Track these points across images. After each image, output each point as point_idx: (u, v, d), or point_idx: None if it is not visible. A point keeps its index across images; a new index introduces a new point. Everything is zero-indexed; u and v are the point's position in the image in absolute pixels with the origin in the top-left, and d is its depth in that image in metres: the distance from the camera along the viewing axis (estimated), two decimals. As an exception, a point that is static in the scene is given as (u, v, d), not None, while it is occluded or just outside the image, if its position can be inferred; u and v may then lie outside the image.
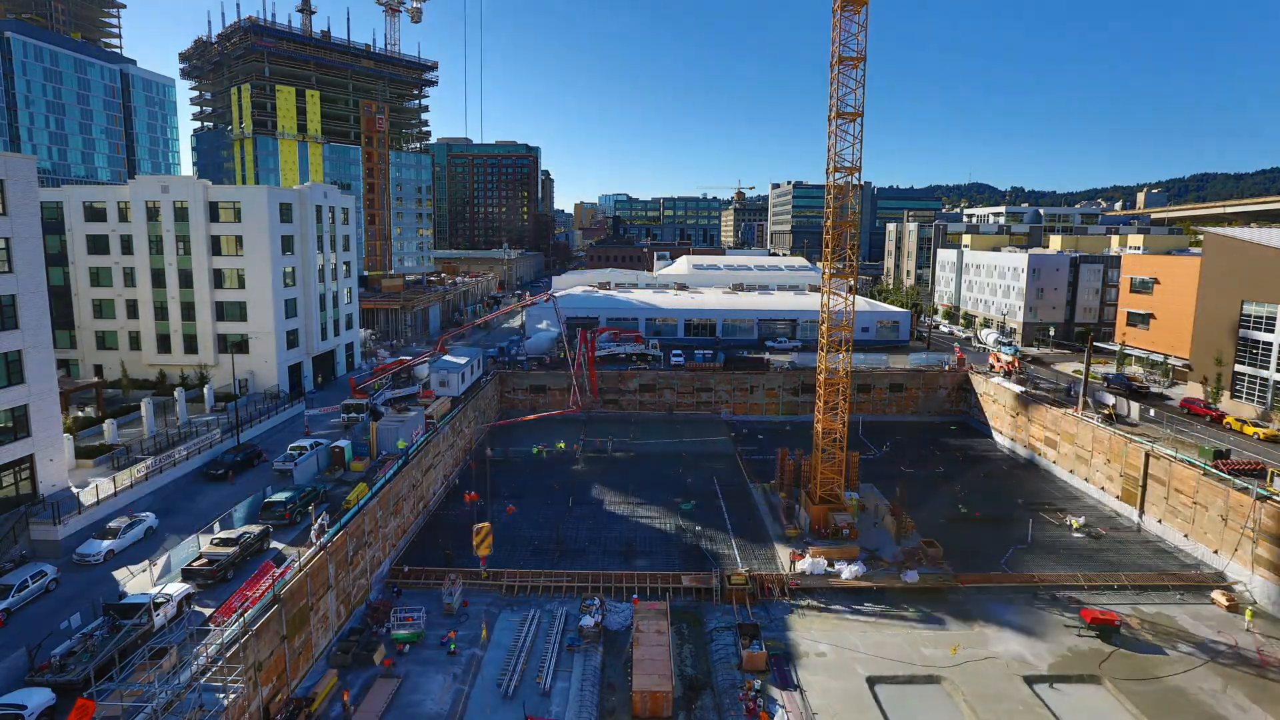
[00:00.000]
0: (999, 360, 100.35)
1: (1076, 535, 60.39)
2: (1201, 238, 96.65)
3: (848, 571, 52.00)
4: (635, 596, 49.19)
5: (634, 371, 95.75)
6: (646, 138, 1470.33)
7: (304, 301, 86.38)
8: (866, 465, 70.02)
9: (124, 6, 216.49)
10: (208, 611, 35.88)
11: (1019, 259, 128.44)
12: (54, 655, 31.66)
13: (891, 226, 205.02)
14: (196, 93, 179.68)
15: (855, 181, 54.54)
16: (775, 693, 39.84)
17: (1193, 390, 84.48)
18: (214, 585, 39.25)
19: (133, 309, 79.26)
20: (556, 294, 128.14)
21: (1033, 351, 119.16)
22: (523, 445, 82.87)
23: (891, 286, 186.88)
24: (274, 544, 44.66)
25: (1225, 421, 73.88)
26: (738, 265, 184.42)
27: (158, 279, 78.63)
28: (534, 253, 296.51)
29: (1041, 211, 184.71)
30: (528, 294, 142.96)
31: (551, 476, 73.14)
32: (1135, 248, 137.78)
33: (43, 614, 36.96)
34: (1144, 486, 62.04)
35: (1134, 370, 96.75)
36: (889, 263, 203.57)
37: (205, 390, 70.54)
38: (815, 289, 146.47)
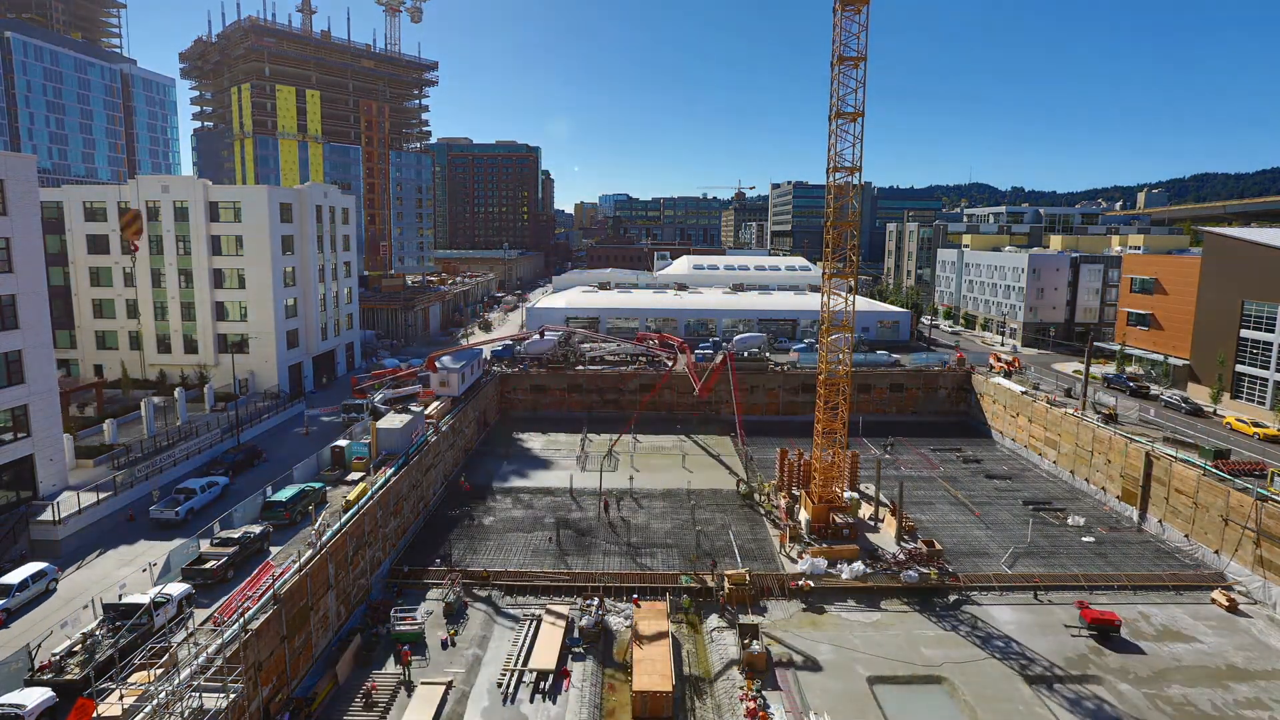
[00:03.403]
0: (999, 360, 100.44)
1: (1076, 535, 60.33)
2: (1202, 238, 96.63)
3: (848, 571, 51.97)
4: (635, 596, 49.19)
5: (634, 372, 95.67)
6: (646, 138, 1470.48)
7: (304, 301, 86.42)
8: (866, 465, 69.94)
9: (124, 6, 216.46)
10: (207, 611, 35.90)
11: (1019, 259, 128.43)
12: (54, 655, 31.65)
13: (892, 226, 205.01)
14: (196, 93, 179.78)
15: (855, 182, 54.49)
16: (775, 693, 39.83)
17: (1194, 391, 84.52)
18: (214, 585, 39.25)
19: (133, 309, 79.29)
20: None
21: (1032, 352, 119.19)
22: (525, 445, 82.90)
23: (892, 287, 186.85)
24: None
25: (1225, 421, 73.85)
26: (738, 265, 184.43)
27: (157, 279, 78.69)
28: (534, 253, 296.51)
29: (1042, 211, 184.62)
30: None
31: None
32: (1135, 248, 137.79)
33: (43, 614, 36.98)
34: (1144, 487, 62.01)
35: (1134, 370, 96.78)
36: (889, 263, 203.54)
37: (205, 390, 70.54)
38: (815, 289, 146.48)
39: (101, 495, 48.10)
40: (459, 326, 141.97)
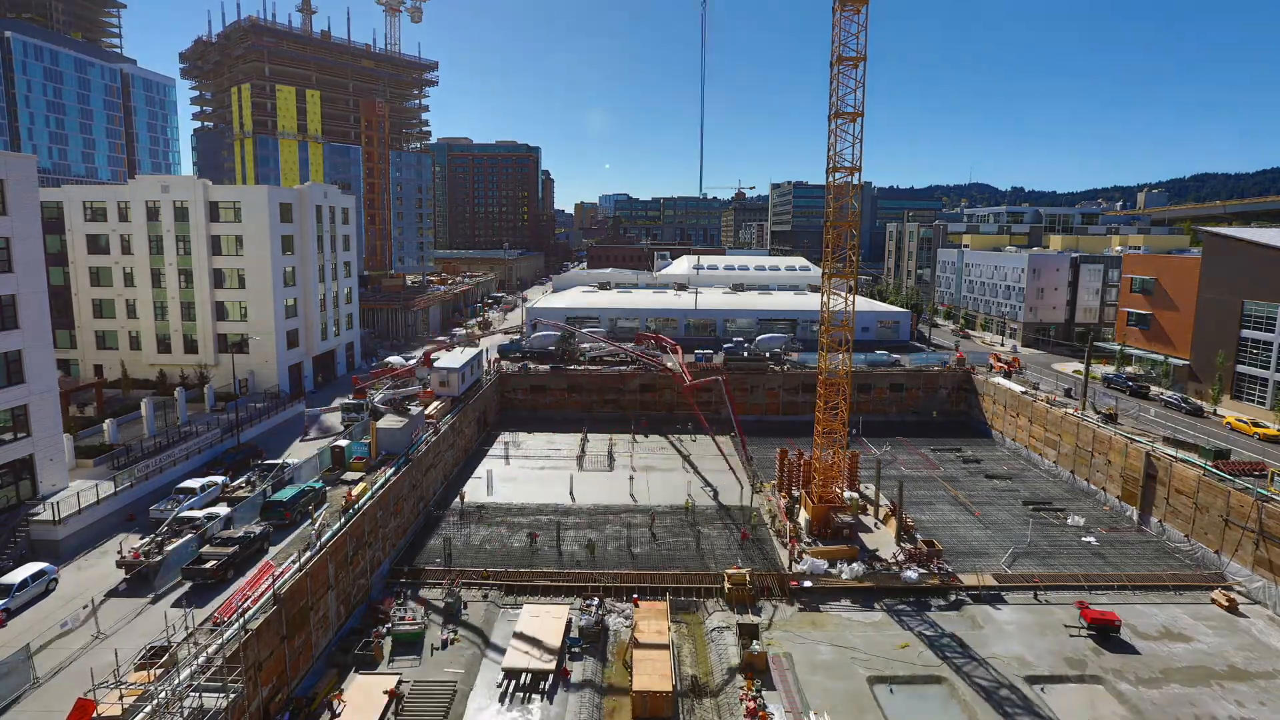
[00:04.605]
0: (999, 360, 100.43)
1: (1076, 535, 60.34)
2: (1201, 238, 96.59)
3: (848, 571, 51.97)
4: (635, 596, 49.19)
5: (634, 372, 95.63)
6: (647, 138, 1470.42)
7: (304, 301, 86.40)
8: (866, 465, 69.95)
9: (124, 6, 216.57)
10: (207, 611, 35.89)
11: (1019, 259, 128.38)
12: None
13: (892, 226, 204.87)
14: (196, 92, 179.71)
15: (855, 182, 54.50)
16: (774, 692, 39.82)
17: (1195, 392, 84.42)
18: (214, 585, 39.26)
19: (133, 309, 79.28)
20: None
21: (1032, 352, 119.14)
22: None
23: (892, 287, 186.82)
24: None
25: (1225, 421, 73.85)
26: (738, 265, 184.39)
27: (157, 279, 78.69)
28: (534, 253, 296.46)
29: (1041, 211, 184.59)
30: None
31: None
32: (1135, 248, 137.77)
33: (43, 614, 36.98)
34: (1144, 487, 62.01)
35: (1133, 370, 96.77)
36: (889, 263, 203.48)
37: (205, 390, 70.53)
38: (815, 289, 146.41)
39: (101, 495, 48.11)
40: (459, 327, 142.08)
